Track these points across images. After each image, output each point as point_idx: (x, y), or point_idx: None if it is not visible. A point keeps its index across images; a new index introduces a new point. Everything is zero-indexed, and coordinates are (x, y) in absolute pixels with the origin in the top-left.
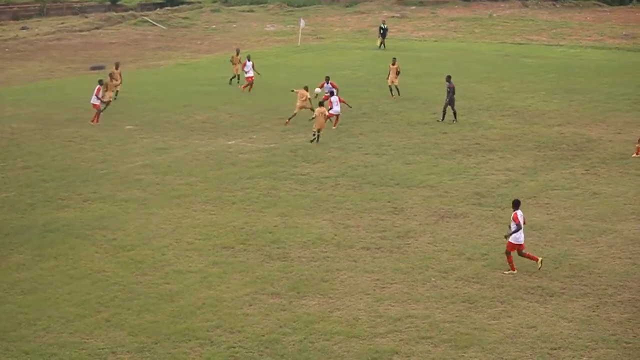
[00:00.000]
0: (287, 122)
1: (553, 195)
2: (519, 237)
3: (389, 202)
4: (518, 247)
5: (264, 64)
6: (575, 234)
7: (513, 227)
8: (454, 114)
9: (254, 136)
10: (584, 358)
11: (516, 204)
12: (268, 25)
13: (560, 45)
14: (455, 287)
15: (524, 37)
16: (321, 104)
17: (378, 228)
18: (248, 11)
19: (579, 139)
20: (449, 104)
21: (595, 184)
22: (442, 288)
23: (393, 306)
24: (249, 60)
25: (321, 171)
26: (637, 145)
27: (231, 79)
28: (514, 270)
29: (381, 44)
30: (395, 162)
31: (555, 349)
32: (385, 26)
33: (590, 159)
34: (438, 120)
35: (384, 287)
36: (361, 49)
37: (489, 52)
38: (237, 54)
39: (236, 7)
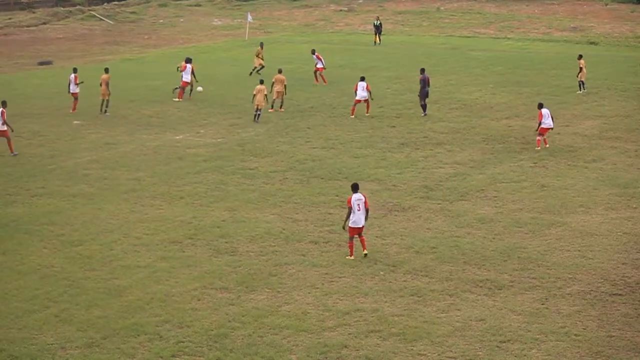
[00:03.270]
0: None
1: (501, 188)
2: (355, 221)
3: (336, 195)
4: (358, 231)
5: (211, 59)
6: (523, 226)
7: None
8: (424, 107)
9: (202, 130)
10: (533, 351)
11: (353, 188)
12: (215, 20)
13: (508, 39)
14: (404, 281)
15: (471, 31)
16: (261, 82)
17: (326, 222)
18: (195, 5)
19: (527, 132)
20: (425, 96)
21: (543, 176)
22: (390, 282)
23: (342, 300)
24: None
25: (269, 165)
26: (537, 138)
27: (258, 71)
28: (352, 257)
29: (379, 40)
30: (343, 156)
31: (504, 342)
32: (379, 22)
33: (538, 152)
34: (423, 115)
35: (332, 281)
36: (309, 42)
37: (436, 45)
38: (262, 48)
39: (183, 2)
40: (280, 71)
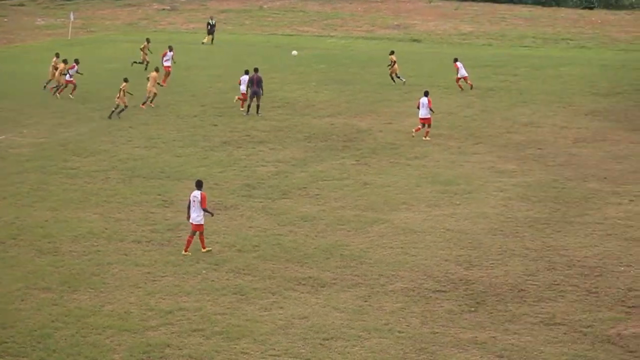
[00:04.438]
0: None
1: (324, 185)
2: (191, 217)
3: (159, 195)
4: (195, 228)
5: (35, 59)
6: (346, 224)
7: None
8: (257, 107)
9: (25, 130)
10: (357, 348)
11: (195, 184)
12: (39, 19)
13: (331, 37)
14: (227, 279)
15: (294, 29)
16: (125, 80)
17: (148, 221)
18: (18, 5)
19: (349, 130)
20: (252, 96)
21: (365, 174)
22: (213, 280)
23: (164, 299)
24: (170, 51)
25: (91, 165)
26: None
27: (139, 63)
28: (186, 252)
29: (212, 40)
30: (165, 155)
31: (327, 339)
32: (214, 22)
33: (361, 150)
34: (244, 115)
35: (155, 280)
36: (132, 42)
37: (259, 43)
38: (148, 43)
39: (7, 1)
40: (157, 69)
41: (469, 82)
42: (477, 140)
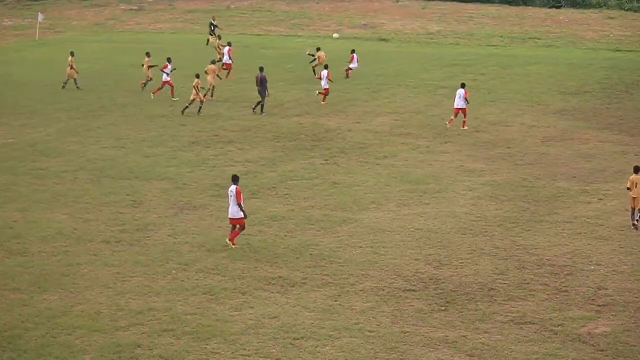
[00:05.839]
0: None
1: (293, 185)
2: (230, 212)
3: (128, 195)
4: (232, 222)
5: (2, 60)
6: (315, 224)
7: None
8: (258, 104)
9: None
10: (327, 347)
11: (232, 178)
12: (6, 20)
13: (299, 36)
14: (197, 279)
15: (262, 29)
16: (197, 76)
17: (118, 222)
18: None
19: (318, 130)
20: (261, 95)
21: (335, 173)
22: (183, 280)
23: (134, 299)
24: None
25: (60, 165)
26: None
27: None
28: (234, 246)
29: (209, 39)
30: (134, 155)
31: (298, 339)
32: (215, 22)
33: (330, 149)
34: (258, 114)
35: (125, 281)
36: (99, 42)
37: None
38: (220, 39)
39: None
40: (213, 62)
41: (349, 73)
42: (446, 139)
